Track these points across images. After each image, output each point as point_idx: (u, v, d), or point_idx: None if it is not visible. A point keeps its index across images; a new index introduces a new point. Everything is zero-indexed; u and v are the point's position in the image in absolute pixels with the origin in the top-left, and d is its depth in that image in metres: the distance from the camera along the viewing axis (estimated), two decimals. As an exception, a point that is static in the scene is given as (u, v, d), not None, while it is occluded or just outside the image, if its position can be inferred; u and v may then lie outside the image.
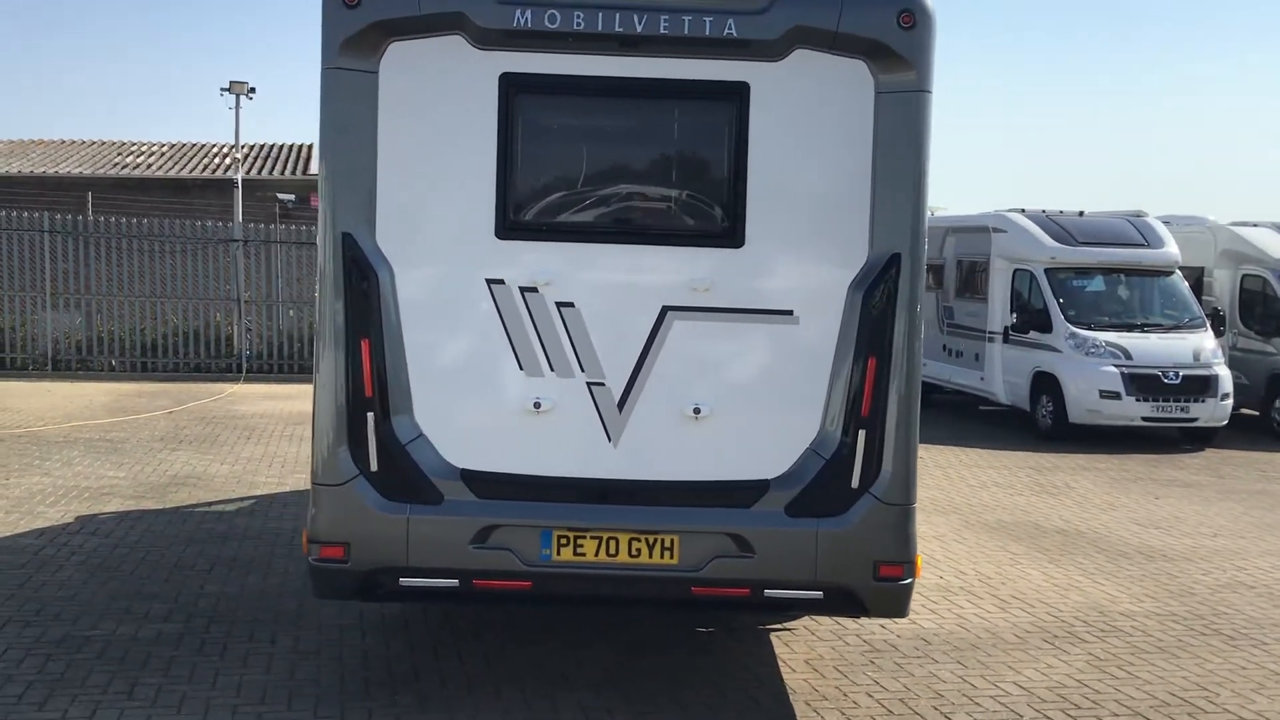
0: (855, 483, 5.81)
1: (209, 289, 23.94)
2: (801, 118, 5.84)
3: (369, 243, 5.84)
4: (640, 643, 7.14)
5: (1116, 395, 16.38)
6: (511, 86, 5.83)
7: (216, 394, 20.44)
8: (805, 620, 7.59)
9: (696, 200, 5.96)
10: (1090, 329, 16.98)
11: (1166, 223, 19.06)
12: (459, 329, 5.94)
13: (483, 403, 5.93)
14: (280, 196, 31.84)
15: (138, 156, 35.16)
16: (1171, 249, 17.97)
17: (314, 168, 33.97)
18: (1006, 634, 7.62)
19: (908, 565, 5.87)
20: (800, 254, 5.89)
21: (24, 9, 69.25)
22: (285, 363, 24.14)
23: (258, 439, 15.25)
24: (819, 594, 5.87)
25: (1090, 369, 16.61)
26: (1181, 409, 16.56)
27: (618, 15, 5.69)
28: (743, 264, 5.88)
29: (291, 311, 24.17)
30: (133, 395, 19.88)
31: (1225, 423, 16.80)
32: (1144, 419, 16.51)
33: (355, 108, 5.81)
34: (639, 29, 5.72)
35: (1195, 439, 17.06)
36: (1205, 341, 16.92)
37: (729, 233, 5.88)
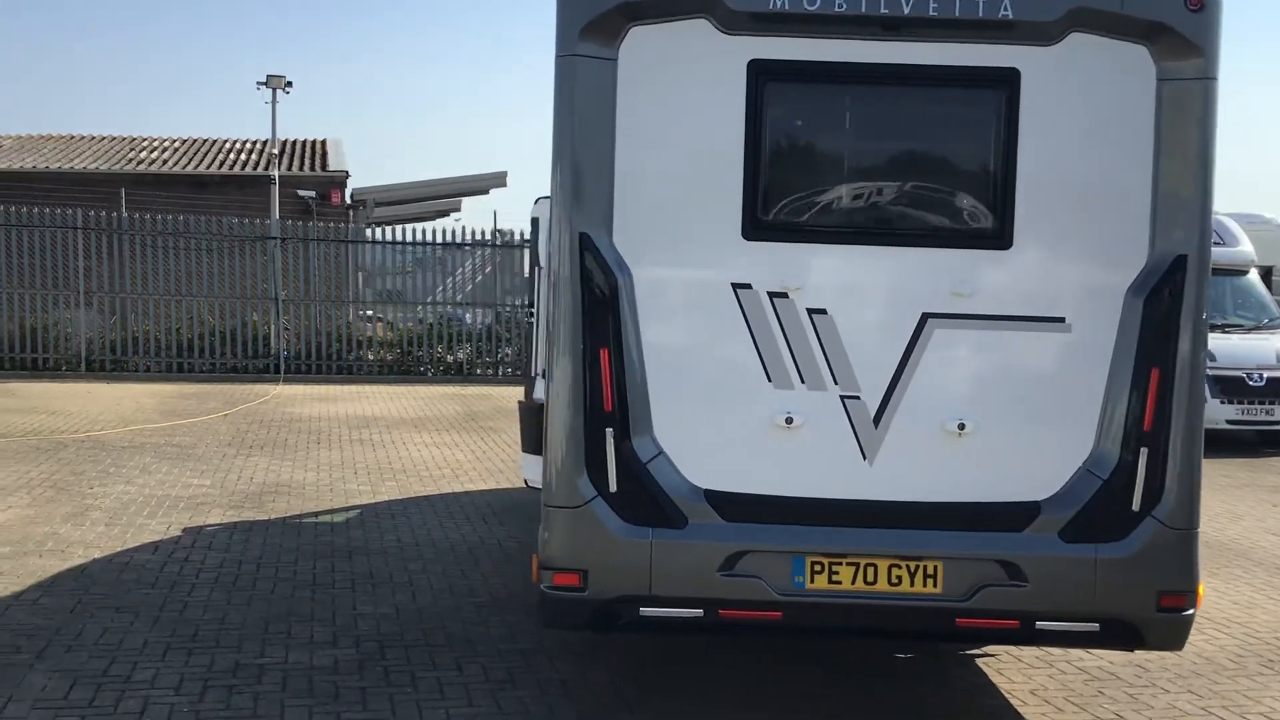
0: (1136, 505, 5.36)
1: (244, 287, 23.40)
2: (1075, 107, 5.39)
3: (606, 244, 5.37)
4: (841, 669, 6.69)
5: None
6: (761, 74, 5.37)
7: (261, 396, 19.92)
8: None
9: (960, 198, 5.51)
10: None
11: None
12: (702, 338, 5.48)
13: (727, 418, 5.46)
14: (301, 193, 31.24)
15: (151, 152, 34.49)
16: (1246, 247, 17.63)
17: (333, 163, 33.49)
18: (1219, 658, 7.19)
19: (1190, 595, 5.43)
20: (1073, 256, 5.44)
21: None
22: (323, 363, 23.62)
23: (327, 443, 14.74)
24: (1095, 626, 5.42)
25: None
26: (1266, 411, 16.20)
27: None
28: (1010, 267, 5.43)
29: (333, 311, 23.64)
30: (176, 397, 19.35)
31: None
32: (1228, 422, 16.14)
33: (592, 98, 5.35)
34: (906, 10, 5.26)
35: (1273, 442, 16.70)
36: None
37: (995, 233, 5.43)
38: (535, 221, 9.89)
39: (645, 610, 5.42)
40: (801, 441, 5.43)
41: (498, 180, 35.89)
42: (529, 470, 9.99)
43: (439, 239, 24.82)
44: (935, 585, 5.40)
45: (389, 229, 25.52)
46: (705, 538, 5.38)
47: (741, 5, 5.28)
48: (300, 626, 7.22)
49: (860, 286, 5.44)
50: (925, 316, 5.42)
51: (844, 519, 5.42)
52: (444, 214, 39.09)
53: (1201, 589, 5.49)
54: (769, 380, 5.44)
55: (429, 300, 24.94)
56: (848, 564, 5.40)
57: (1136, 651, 6.44)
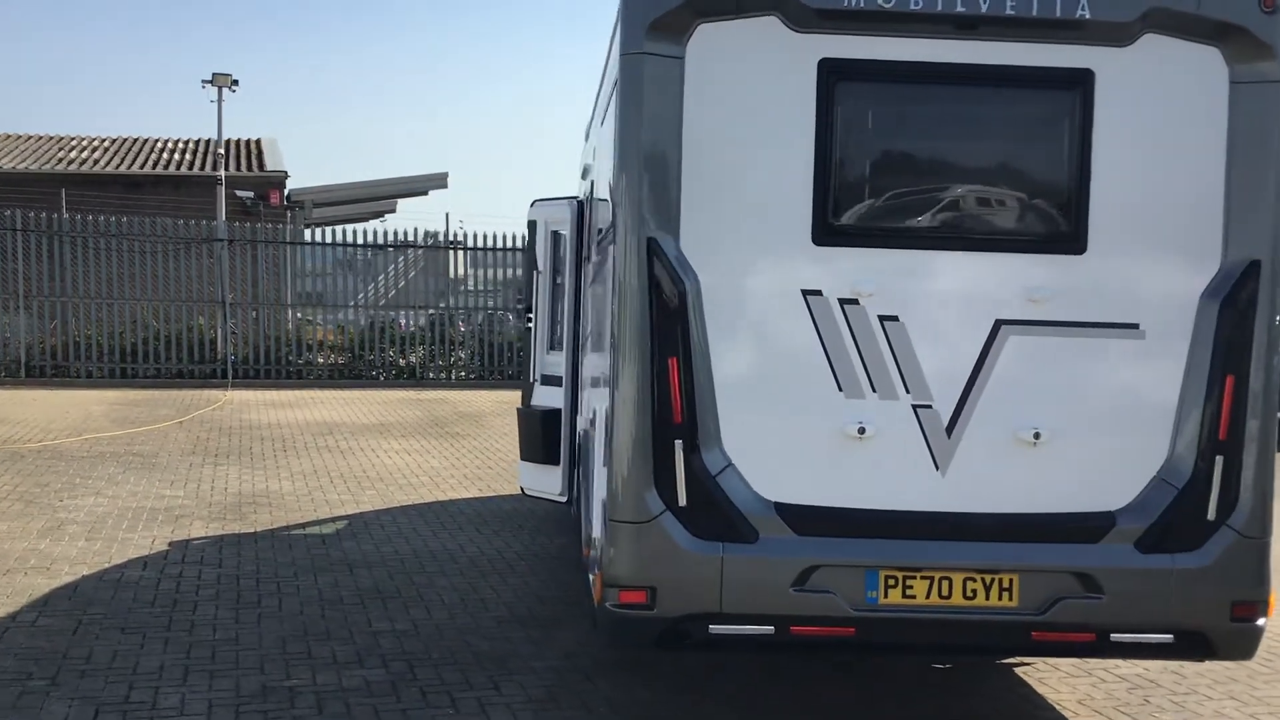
0: (1212, 514, 5.28)
1: (189, 290, 22.84)
2: (1149, 109, 5.30)
3: (674, 249, 5.19)
4: (883, 679, 6.55)
5: None
6: (832, 73, 5.22)
7: (212, 402, 19.43)
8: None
9: (1033, 201, 5.39)
10: None
11: None
12: (771, 346, 5.31)
13: (797, 428, 5.30)
14: (239, 193, 30.57)
15: (82, 151, 33.57)
16: None
17: (270, 163, 32.80)
18: (1253, 664, 7.14)
19: (1263, 604, 5.36)
20: (1147, 262, 5.35)
21: None
22: (272, 368, 23.12)
23: (294, 451, 14.37)
24: (1169, 637, 5.33)
25: None
26: None
27: None
28: (1084, 272, 5.32)
29: (282, 313, 23.15)
30: (125, 404, 18.81)
31: None
32: None
33: (659, 98, 5.17)
34: (983, 9, 5.14)
35: None
36: None
37: (1069, 237, 5.32)
38: (532, 225, 9.67)
39: (715, 628, 5.24)
40: (873, 452, 5.28)
41: (438, 181, 35.44)
42: (527, 478, 9.78)
43: (385, 239, 24.40)
44: (1011, 598, 5.28)
45: (328, 230, 25.10)
46: (778, 553, 5.21)
47: (813, 2, 5.13)
48: (319, 645, 6.93)
49: (932, 292, 5.30)
50: (999, 323, 5.30)
51: (917, 531, 5.28)
52: (380, 215, 38.55)
53: (1274, 599, 5.43)
54: (840, 389, 5.28)
55: (381, 304, 24.53)
56: (922, 578, 5.26)
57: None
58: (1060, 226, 5.33)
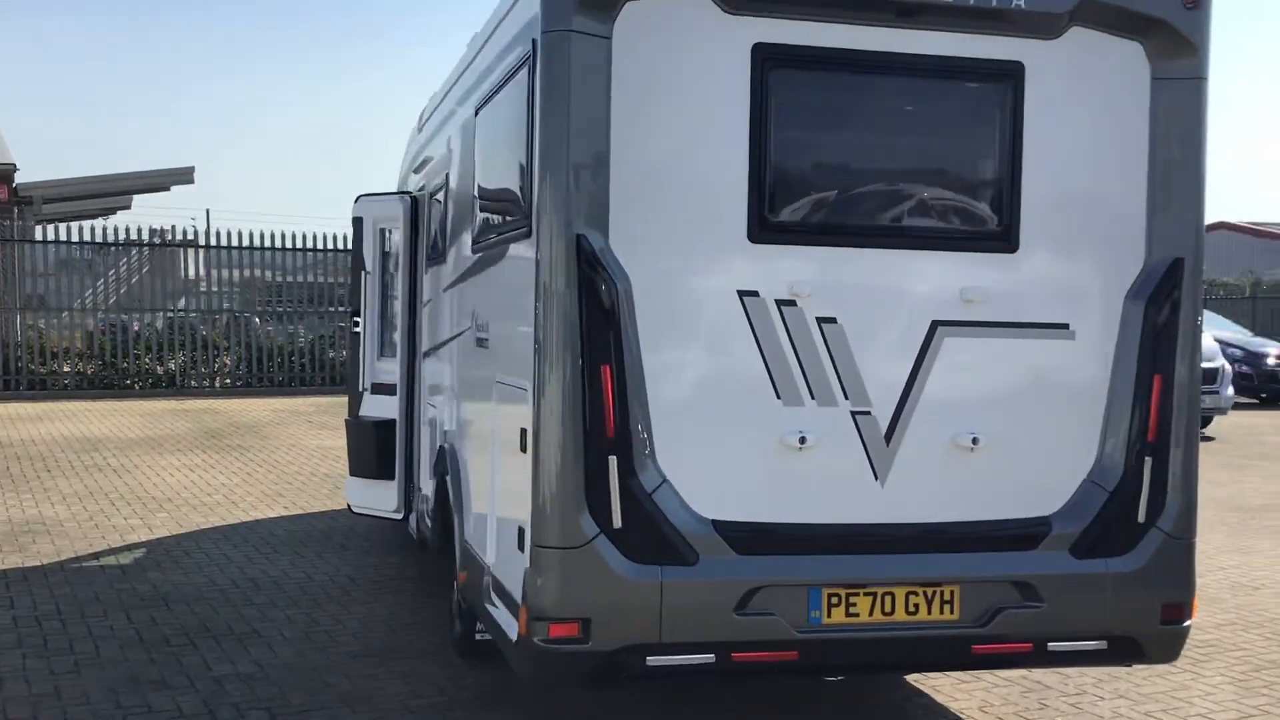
0: (1142, 516, 5.20)
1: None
2: (1075, 104, 5.18)
3: (604, 247, 4.73)
4: (780, 699, 6.26)
5: None
6: (766, 60, 4.88)
7: (-52, 417, 17.61)
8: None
9: (969, 198, 5.19)
10: None
11: None
12: (706, 351, 4.92)
13: (735, 440, 4.93)
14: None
15: None
16: None
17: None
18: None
19: (1188, 606, 5.32)
20: (1075, 260, 5.23)
21: None
22: (10, 378, 21.24)
23: (59, 471, 13.12)
24: (1103, 644, 5.22)
25: None
26: None
27: None
28: (1016, 271, 5.16)
29: (12, 318, 21.31)
30: None
31: None
32: None
33: (586, 81, 4.71)
34: None
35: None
36: None
37: (1002, 235, 5.15)
38: (358, 222, 9.00)
39: (652, 659, 4.81)
40: (812, 463, 4.97)
41: (183, 176, 33.43)
42: (356, 494, 9.11)
43: (115, 237, 22.72)
44: (952, 611, 5.06)
45: (61, 226, 23.29)
46: (719, 575, 4.83)
47: None
48: (158, 696, 6.12)
49: (870, 293, 5.03)
50: (935, 324, 5.08)
51: (859, 546, 5.01)
52: (112, 211, 36.16)
53: (1195, 599, 5.40)
54: (778, 397, 4.95)
55: (105, 308, 22.80)
56: (865, 594, 4.98)
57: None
58: (993, 224, 5.15)
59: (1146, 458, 5.18)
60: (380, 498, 8.83)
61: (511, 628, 5.02)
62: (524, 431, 4.99)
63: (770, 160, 4.89)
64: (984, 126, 5.15)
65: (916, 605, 5.02)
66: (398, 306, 8.82)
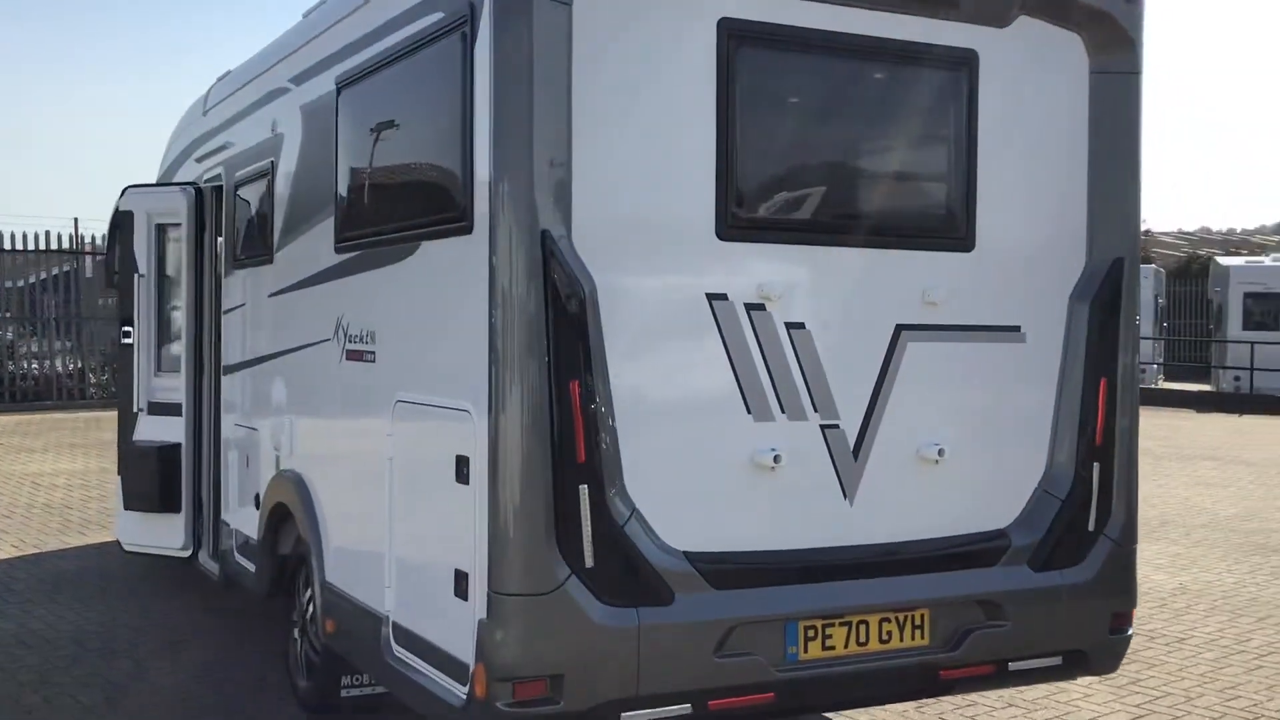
0: (1092, 525, 5.02)
1: None
2: (1021, 98, 4.96)
3: (569, 247, 4.11)
4: None
5: None
6: (733, 37, 4.38)
7: None
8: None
9: (927, 194, 4.87)
10: None
11: None
12: (673, 362, 4.38)
13: (704, 460, 4.42)
14: None
15: None
16: None
17: None
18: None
19: (1130, 614, 5.19)
20: (1026, 260, 5.00)
21: None
22: None
23: None
24: (1058, 660, 5.01)
25: None
26: None
27: None
28: (973, 272, 4.88)
29: None
30: None
31: None
32: None
33: (549, 53, 4.08)
34: None
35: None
36: None
37: (960, 234, 4.85)
38: (127, 217, 7.88)
39: (627, 715, 4.22)
40: (782, 483, 4.52)
41: None
42: (132, 531, 7.98)
43: None
44: (923, 636, 4.72)
45: None
46: (697, 614, 4.30)
47: None
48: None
49: (837, 295, 4.63)
50: (899, 328, 4.72)
51: (830, 572, 4.59)
52: None
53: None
54: (748, 412, 4.46)
55: None
56: (840, 624, 4.56)
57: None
58: (952, 222, 4.85)
59: (1095, 463, 5.01)
60: (162, 534, 7.74)
61: (454, 689, 4.29)
62: (463, 459, 4.28)
63: (737, 149, 4.40)
64: (943, 118, 4.84)
65: (889, 633, 4.65)
66: (180, 315, 7.75)
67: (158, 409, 7.77)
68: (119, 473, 7.99)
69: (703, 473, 4.40)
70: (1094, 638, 5.06)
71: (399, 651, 4.78)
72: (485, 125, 4.14)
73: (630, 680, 4.18)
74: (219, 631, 7.39)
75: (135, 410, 7.81)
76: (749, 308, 4.44)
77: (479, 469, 4.18)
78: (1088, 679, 6.68)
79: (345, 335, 5.39)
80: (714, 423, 4.41)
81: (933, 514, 4.79)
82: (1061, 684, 6.69)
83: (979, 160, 4.85)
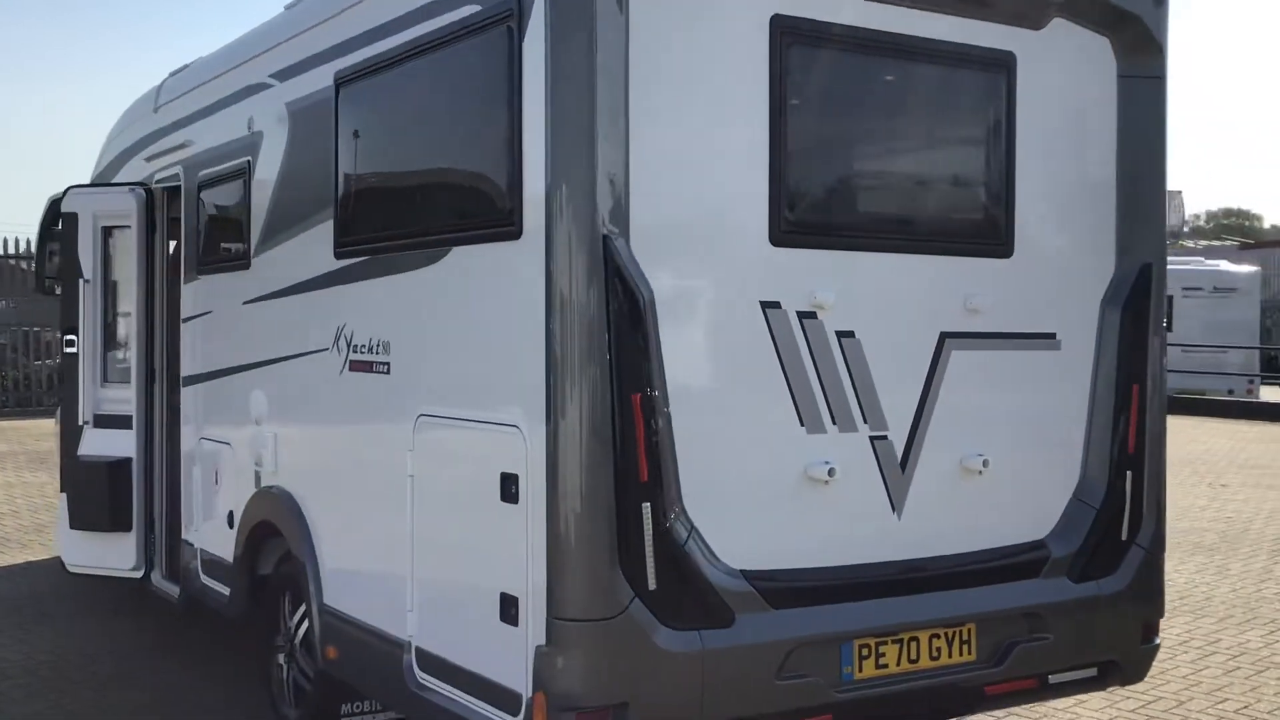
0: (1125, 533, 4.96)
1: None
2: (1054, 101, 4.88)
3: (628, 253, 3.91)
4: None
5: None
6: (785, 34, 4.22)
7: None
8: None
9: (969, 198, 4.77)
10: None
11: None
12: (729, 373, 4.20)
13: (758, 474, 4.24)
14: None
15: None
16: None
17: None
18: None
19: (1158, 622, 5.15)
20: (1060, 266, 4.92)
21: None
22: None
23: None
24: (1094, 671, 4.94)
25: None
26: None
27: None
28: (1012, 277, 4.79)
29: None
30: None
31: None
32: None
33: (609, 45, 3.89)
34: None
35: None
36: None
37: (1000, 239, 4.75)
38: (71, 219, 7.45)
39: (689, 744, 4.02)
40: (835, 497, 4.36)
41: None
42: (77, 552, 7.54)
43: None
44: (970, 651, 4.60)
45: None
46: (758, 636, 4.12)
47: None
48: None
49: (886, 302, 4.49)
50: (943, 336, 4.60)
51: (881, 588, 4.45)
52: None
53: None
54: (801, 424, 4.30)
55: None
56: (893, 642, 4.43)
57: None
58: (993, 227, 4.74)
59: (1128, 471, 4.95)
60: (112, 554, 7.30)
61: (503, 719, 4.05)
62: (510, 477, 4.05)
63: (790, 151, 4.23)
64: (985, 120, 4.73)
65: (939, 649, 4.53)
66: (129, 323, 7.33)
67: (104, 421, 7.33)
68: (62, 489, 7.53)
69: (757, 487, 4.23)
70: (1127, 647, 5.00)
71: (425, 679, 4.51)
72: (538, 127, 3.91)
73: (694, 707, 3.99)
74: (180, 656, 7.00)
75: (80, 423, 7.36)
76: (801, 316, 4.28)
77: (531, 487, 3.95)
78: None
79: (349, 345, 5.10)
80: (768, 435, 4.24)
81: (976, 525, 4.68)
82: (1056, 691, 6.67)
83: (1017, 164, 4.76)
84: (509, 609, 4.05)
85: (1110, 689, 6.00)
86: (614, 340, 3.85)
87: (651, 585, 3.92)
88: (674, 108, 4.05)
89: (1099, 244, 4.98)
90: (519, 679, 3.99)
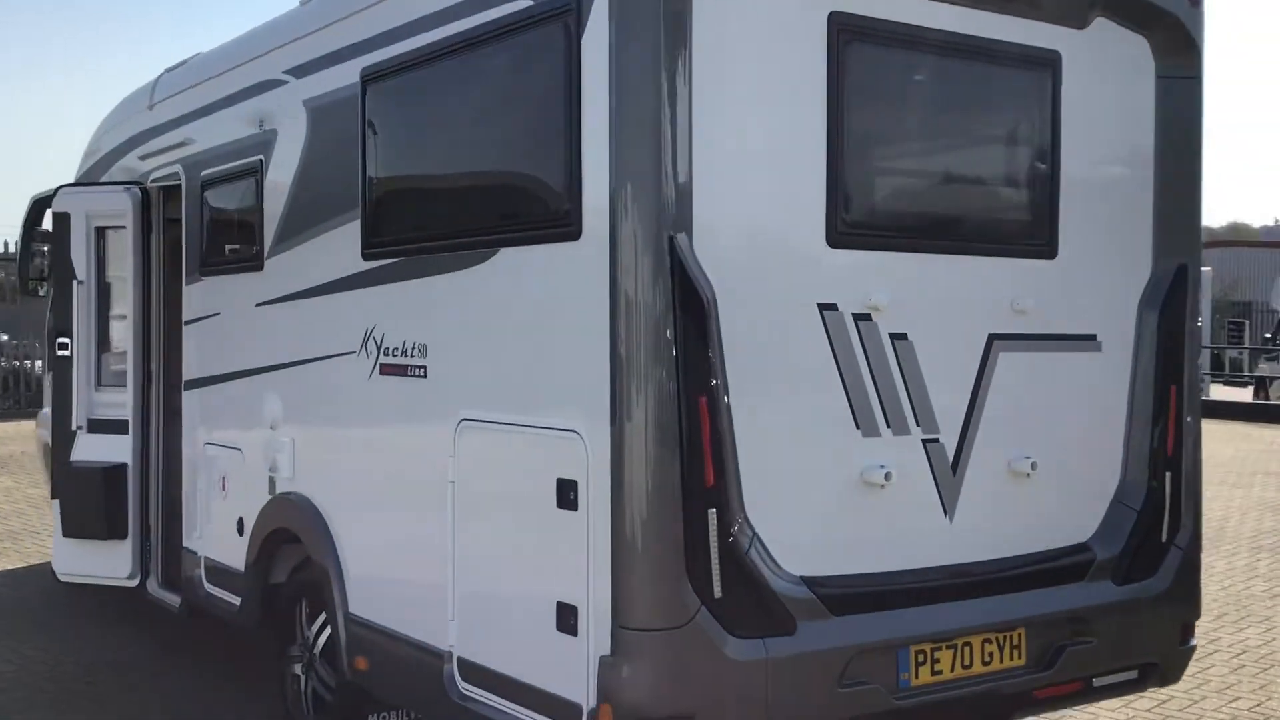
0: (1164, 535, 4.95)
1: None
2: (1096, 101, 4.85)
3: (691, 253, 3.83)
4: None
5: None
6: (843, 32, 4.16)
7: None
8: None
9: (1016, 199, 4.73)
10: None
11: None
12: (787, 375, 4.13)
13: (816, 479, 4.19)
14: None
15: None
16: None
17: None
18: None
19: (1194, 625, 5.14)
20: (1101, 267, 4.89)
21: None
22: None
23: None
24: (1134, 674, 4.93)
25: None
26: None
27: None
28: (1056, 278, 4.76)
29: None
30: None
31: None
32: None
33: (673, 41, 3.82)
34: None
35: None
36: None
37: (1045, 239, 4.72)
38: (63, 219, 7.26)
39: (753, 756, 3.95)
40: (890, 501, 4.31)
41: None
42: (71, 561, 7.35)
43: None
44: (1020, 656, 4.57)
45: None
46: (820, 643, 4.06)
47: None
48: None
49: (937, 304, 4.44)
50: (991, 338, 4.57)
51: (935, 593, 4.40)
52: None
53: None
54: (857, 427, 4.24)
55: None
56: (947, 647, 4.38)
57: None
58: (1039, 228, 4.71)
59: (1167, 473, 4.94)
60: (107, 563, 7.11)
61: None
62: (567, 483, 3.95)
63: (847, 150, 4.17)
64: (1032, 120, 4.70)
65: (991, 654, 4.49)
66: (124, 326, 7.14)
67: (98, 427, 7.14)
68: (54, 496, 7.32)
69: (814, 491, 4.17)
70: (1167, 649, 4.99)
71: (469, 689, 4.41)
72: (599, 126, 3.82)
73: (760, 717, 3.91)
74: (183, 665, 6.84)
75: (74, 428, 7.16)
76: (856, 318, 4.22)
77: (593, 494, 3.86)
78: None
79: (379, 348, 4.97)
80: (825, 439, 4.18)
81: (1024, 528, 4.65)
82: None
83: (1062, 165, 4.73)
84: (567, 618, 3.96)
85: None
86: (679, 341, 3.77)
87: (717, 593, 3.84)
88: (734, 106, 3.97)
89: (1137, 245, 4.97)
90: (578, 690, 3.90)
